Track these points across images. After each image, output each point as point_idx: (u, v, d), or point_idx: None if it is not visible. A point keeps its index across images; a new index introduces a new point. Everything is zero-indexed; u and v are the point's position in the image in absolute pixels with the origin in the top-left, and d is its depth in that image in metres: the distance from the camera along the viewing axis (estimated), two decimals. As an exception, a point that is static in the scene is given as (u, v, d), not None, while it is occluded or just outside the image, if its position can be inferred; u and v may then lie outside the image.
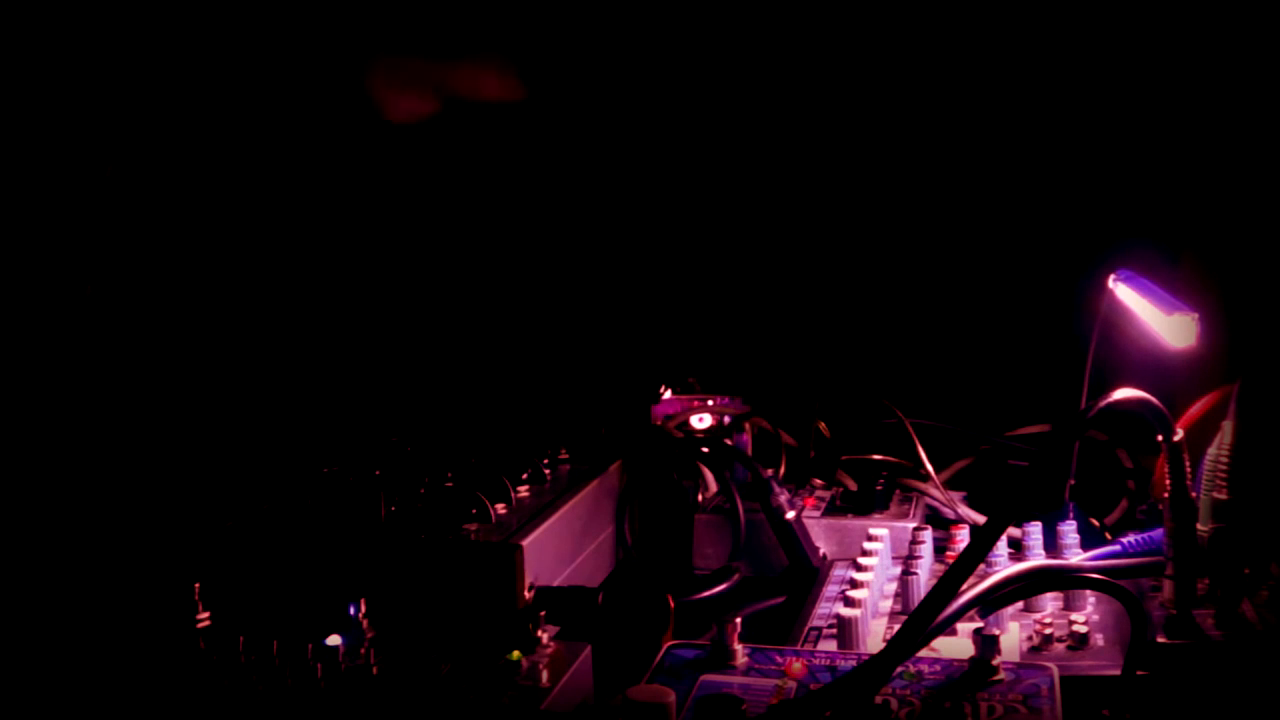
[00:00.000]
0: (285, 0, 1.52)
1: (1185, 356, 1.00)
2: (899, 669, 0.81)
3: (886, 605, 1.01)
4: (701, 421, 1.35)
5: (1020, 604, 0.97)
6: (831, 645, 0.93)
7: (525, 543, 0.94)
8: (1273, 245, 1.31)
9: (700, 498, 1.24)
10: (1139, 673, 0.85)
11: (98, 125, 1.44)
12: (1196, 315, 0.97)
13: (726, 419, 1.34)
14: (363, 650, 0.86)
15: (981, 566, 0.85)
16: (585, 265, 1.60)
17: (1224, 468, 0.91)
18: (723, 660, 0.85)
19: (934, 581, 0.83)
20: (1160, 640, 0.86)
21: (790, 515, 1.15)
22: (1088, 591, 0.98)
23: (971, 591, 0.86)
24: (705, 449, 1.24)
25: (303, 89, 1.55)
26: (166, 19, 1.47)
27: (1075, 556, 1.02)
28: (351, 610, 0.88)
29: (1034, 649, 0.91)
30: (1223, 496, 0.91)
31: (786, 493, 1.18)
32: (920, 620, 0.80)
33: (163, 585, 0.95)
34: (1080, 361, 1.15)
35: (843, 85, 1.51)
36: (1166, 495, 0.88)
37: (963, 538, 1.08)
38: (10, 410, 1.32)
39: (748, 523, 1.16)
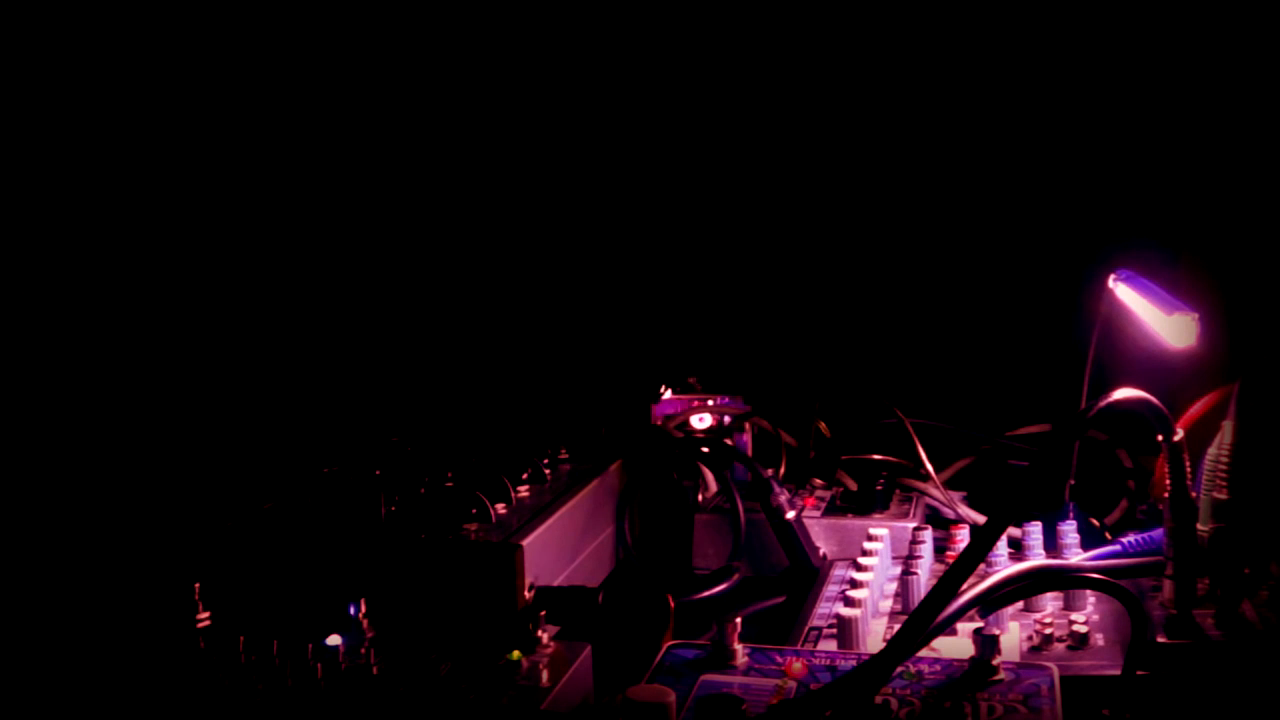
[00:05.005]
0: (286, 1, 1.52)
1: (1185, 356, 1.00)
2: (899, 669, 0.81)
3: (886, 605, 1.01)
4: (701, 421, 1.35)
5: (1020, 604, 0.97)
6: (831, 645, 0.93)
7: (525, 543, 0.94)
8: (1273, 245, 1.31)
9: (700, 498, 1.24)
10: (1139, 673, 0.85)
11: (97, 125, 1.44)
12: (1196, 315, 0.97)
13: (726, 419, 1.34)
14: (363, 650, 0.86)
15: (981, 566, 0.85)
16: (585, 265, 1.60)
17: (1224, 468, 0.91)
18: (723, 660, 0.85)
19: (934, 581, 0.83)
20: (1160, 640, 0.86)
21: (790, 515, 1.15)
22: (1088, 591, 0.98)
23: (971, 591, 0.86)
24: (705, 449, 1.24)
25: (302, 88, 1.55)
26: (167, 19, 1.47)
27: (1075, 556, 1.02)
28: (351, 610, 0.88)
29: (1034, 649, 0.91)
30: (1223, 496, 0.91)
31: (786, 493, 1.17)
32: (920, 620, 0.80)
33: (163, 585, 0.95)
34: (1080, 361, 1.15)
35: (843, 86, 1.51)
36: (1166, 495, 0.88)
37: (963, 538, 1.09)
38: (10, 410, 1.32)
39: (748, 523, 1.16)
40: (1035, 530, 1.04)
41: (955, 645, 0.89)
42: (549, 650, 0.87)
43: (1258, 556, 0.92)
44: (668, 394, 1.37)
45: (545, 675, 0.84)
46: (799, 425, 1.37)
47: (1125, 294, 1.10)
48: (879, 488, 1.20)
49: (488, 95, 1.58)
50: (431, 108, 1.58)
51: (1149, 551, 1.01)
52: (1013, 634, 0.93)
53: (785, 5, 1.50)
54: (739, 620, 0.86)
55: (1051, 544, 1.05)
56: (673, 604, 0.96)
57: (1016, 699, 0.78)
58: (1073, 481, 1.13)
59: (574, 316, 1.59)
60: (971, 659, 0.82)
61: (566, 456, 1.18)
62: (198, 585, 0.91)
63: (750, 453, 1.31)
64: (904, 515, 1.18)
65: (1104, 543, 1.04)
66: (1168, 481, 0.88)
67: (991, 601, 0.89)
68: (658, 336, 1.57)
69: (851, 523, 1.18)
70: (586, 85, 1.56)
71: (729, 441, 1.29)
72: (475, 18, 1.55)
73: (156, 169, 1.49)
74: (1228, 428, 0.91)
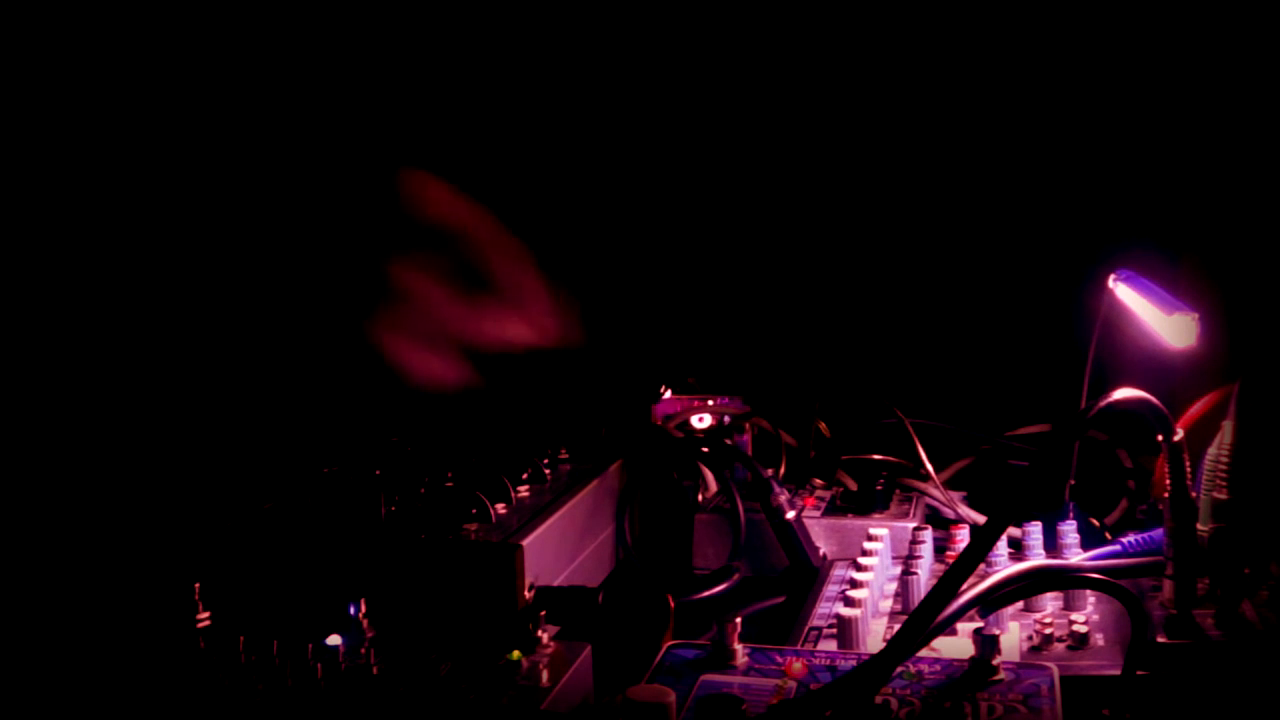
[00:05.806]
0: (285, 2, 1.52)
1: (1185, 356, 1.00)
2: (899, 669, 0.81)
3: (886, 605, 1.01)
4: (701, 421, 1.35)
5: (1020, 604, 0.97)
6: (831, 645, 0.93)
7: (525, 543, 0.94)
8: (1273, 245, 1.31)
9: (700, 498, 1.24)
10: (1139, 673, 0.85)
11: (96, 125, 1.44)
12: (1196, 315, 0.97)
13: (726, 419, 1.34)
14: (363, 650, 0.86)
15: (981, 566, 0.85)
16: (584, 266, 1.60)
17: (1224, 468, 0.91)
18: (723, 660, 0.85)
19: (934, 581, 0.83)
20: (1160, 640, 0.86)
21: (790, 515, 1.15)
22: (1088, 591, 0.98)
23: (971, 591, 0.86)
24: (705, 449, 1.24)
25: (301, 87, 1.55)
26: (165, 19, 1.47)
27: (1075, 556, 1.02)
28: (351, 610, 0.88)
29: (1034, 649, 0.91)
30: (1223, 496, 0.91)
31: (786, 493, 1.17)
32: (920, 620, 0.80)
33: (163, 585, 0.95)
34: (1080, 361, 1.15)
35: (842, 85, 1.51)
36: (1166, 495, 0.89)
37: (963, 538, 1.08)
38: (10, 410, 1.32)
39: (748, 523, 1.16)
40: (1035, 530, 1.04)
41: (955, 645, 0.89)
42: (549, 650, 0.87)
43: (1258, 556, 0.92)
44: (668, 394, 1.37)
45: (545, 675, 0.84)
46: (799, 425, 1.37)
47: (1125, 294, 1.10)
48: (879, 488, 1.20)
49: (487, 95, 1.58)
50: (430, 107, 1.58)
51: (1149, 551, 1.01)
52: (1013, 634, 0.93)
53: (785, 5, 1.50)
54: (739, 620, 0.86)
55: (1051, 544, 1.05)
56: (673, 604, 0.96)
57: (1016, 699, 0.78)
58: (1073, 481, 1.13)
59: (573, 316, 1.59)
60: (971, 659, 0.82)
61: (566, 456, 1.18)
62: (198, 585, 0.91)
63: (750, 453, 1.31)
64: (904, 515, 1.18)
65: (1104, 543, 1.04)
66: (1168, 481, 0.88)
67: (991, 601, 0.89)
68: (658, 336, 1.57)
69: (851, 523, 1.18)
70: (585, 86, 1.56)
71: (729, 441, 1.29)
72: (475, 17, 1.55)
73: (156, 166, 1.49)
74: (1228, 428, 0.91)
